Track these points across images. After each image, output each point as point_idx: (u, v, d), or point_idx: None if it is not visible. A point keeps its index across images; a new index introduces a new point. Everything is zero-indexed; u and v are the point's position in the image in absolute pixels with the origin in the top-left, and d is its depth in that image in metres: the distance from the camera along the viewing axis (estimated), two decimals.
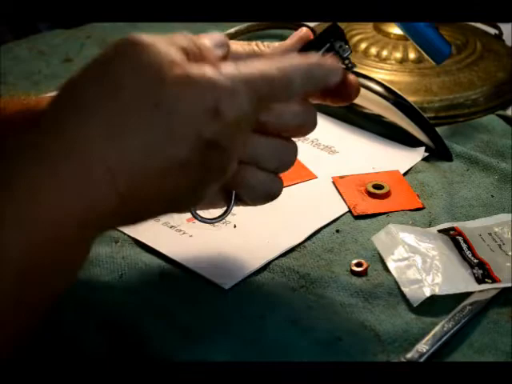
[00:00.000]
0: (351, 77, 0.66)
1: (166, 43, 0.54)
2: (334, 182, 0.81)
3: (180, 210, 0.61)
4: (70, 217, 0.49)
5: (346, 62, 0.65)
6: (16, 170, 0.49)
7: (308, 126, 0.65)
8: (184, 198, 0.57)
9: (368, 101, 0.88)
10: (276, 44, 0.66)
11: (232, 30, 1.03)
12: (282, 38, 1.04)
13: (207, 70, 0.54)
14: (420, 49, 0.84)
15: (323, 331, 0.64)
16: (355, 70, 0.66)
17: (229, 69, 0.55)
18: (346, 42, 0.65)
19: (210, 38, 0.58)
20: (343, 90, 0.66)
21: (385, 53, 0.96)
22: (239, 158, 0.59)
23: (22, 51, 1.05)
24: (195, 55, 0.56)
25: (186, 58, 0.54)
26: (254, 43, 0.66)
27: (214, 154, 0.55)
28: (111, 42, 0.53)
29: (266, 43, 0.66)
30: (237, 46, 0.65)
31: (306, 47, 0.65)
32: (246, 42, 0.66)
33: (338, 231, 0.75)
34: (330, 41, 0.65)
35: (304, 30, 0.66)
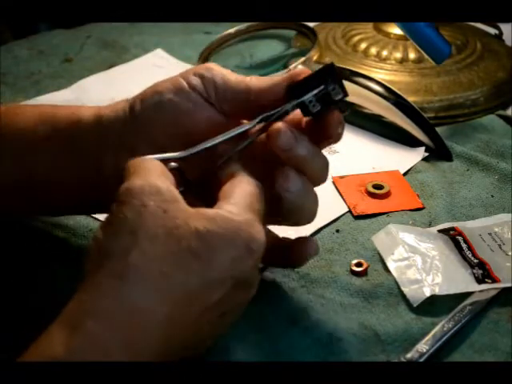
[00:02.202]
0: (333, 117, 0.64)
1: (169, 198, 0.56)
2: (334, 182, 0.81)
3: (203, 347, 0.61)
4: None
5: (340, 105, 0.63)
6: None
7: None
8: (211, 334, 0.59)
9: (368, 101, 0.88)
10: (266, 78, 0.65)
11: (232, 30, 1.03)
12: (282, 38, 1.04)
13: (227, 214, 0.56)
14: (420, 49, 0.84)
15: (323, 331, 0.64)
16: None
17: (231, 206, 0.58)
18: (341, 85, 0.62)
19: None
20: (323, 131, 0.65)
21: (385, 53, 0.96)
22: None
23: (22, 51, 1.05)
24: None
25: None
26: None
27: (242, 291, 0.58)
28: (126, 196, 0.56)
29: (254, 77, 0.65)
30: (230, 76, 0.65)
31: (297, 85, 0.63)
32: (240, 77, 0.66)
33: (337, 231, 0.75)
34: (325, 82, 0.62)
35: (299, 69, 0.65)
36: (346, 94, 0.62)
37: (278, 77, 0.65)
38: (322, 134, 0.65)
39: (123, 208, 0.55)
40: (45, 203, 0.69)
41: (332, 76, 0.62)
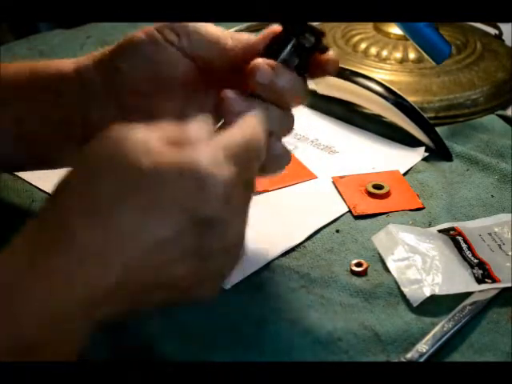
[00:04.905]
0: (326, 57, 0.66)
1: (146, 131, 0.54)
2: (334, 182, 0.81)
3: (193, 298, 0.58)
4: (72, 297, 0.52)
5: (319, 48, 0.65)
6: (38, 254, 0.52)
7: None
8: (192, 287, 0.56)
9: (368, 101, 0.88)
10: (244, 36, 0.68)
11: (232, 31, 1.03)
12: None
13: (184, 150, 0.54)
14: (420, 49, 0.84)
15: (323, 331, 0.64)
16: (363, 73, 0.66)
17: (203, 142, 0.55)
18: (311, 30, 0.64)
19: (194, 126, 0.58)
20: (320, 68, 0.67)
21: (385, 53, 0.96)
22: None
23: (22, 51, 1.05)
24: (177, 140, 0.56)
25: (166, 143, 0.54)
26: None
27: (214, 232, 0.54)
28: (95, 141, 0.55)
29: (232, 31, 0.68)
30: (208, 27, 0.69)
31: (270, 47, 0.65)
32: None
33: (337, 231, 0.75)
34: (295, 35, 0.64)
35: (272, 27, 0.67)
36: (317, 36, 0.64)
37: (254, 39, 0.67)
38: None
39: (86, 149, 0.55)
40: (31, 155, 0.70)
41: (299, 27, 0.65)
